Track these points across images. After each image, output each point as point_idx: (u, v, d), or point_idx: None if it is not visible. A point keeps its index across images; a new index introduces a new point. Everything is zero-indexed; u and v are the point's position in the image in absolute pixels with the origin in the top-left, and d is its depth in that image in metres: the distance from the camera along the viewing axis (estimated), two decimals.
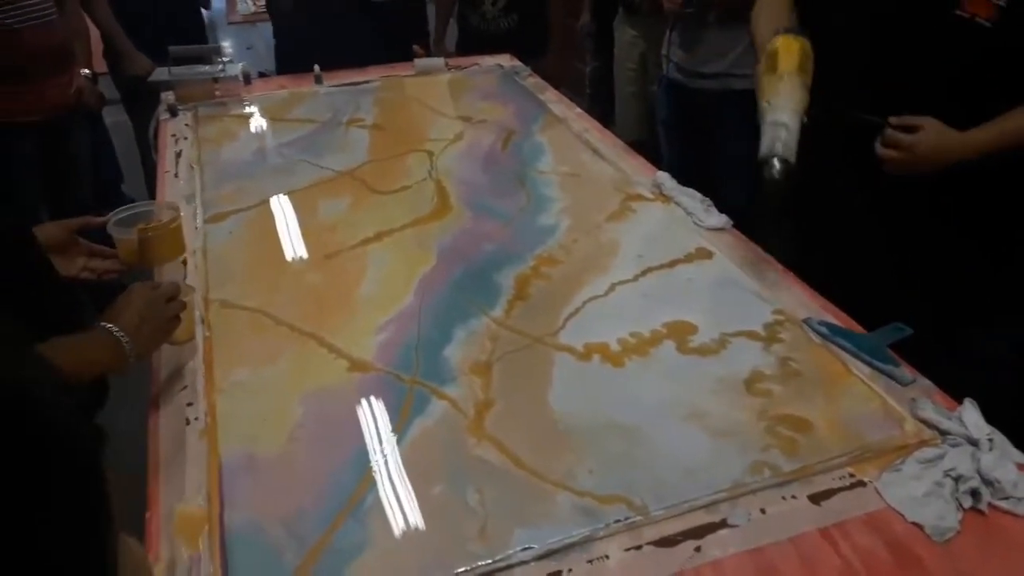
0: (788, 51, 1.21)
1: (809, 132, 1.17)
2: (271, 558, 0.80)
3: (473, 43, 2.66)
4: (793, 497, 0.87)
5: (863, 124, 1.26)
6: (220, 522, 0.84)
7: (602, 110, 2.92)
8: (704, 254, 1.32)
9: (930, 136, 1.21)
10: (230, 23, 6.39)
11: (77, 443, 0.31)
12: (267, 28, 2.83)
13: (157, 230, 1.19)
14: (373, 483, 0.89)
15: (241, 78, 2.09)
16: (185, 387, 1.04)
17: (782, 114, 1.14)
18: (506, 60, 2.36)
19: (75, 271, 1.11)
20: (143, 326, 0.93)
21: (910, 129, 1.22)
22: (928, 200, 1.26)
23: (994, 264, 1.30)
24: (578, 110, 1.98)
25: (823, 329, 1.13)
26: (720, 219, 1.41)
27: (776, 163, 1.10)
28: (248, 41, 5.59)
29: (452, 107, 1.99)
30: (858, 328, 1.14)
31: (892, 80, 1.26)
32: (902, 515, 0.84)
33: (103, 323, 0.91)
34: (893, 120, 1.23)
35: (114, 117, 2.84)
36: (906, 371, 1.04)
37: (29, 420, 0.29)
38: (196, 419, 0.99)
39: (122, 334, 0.90)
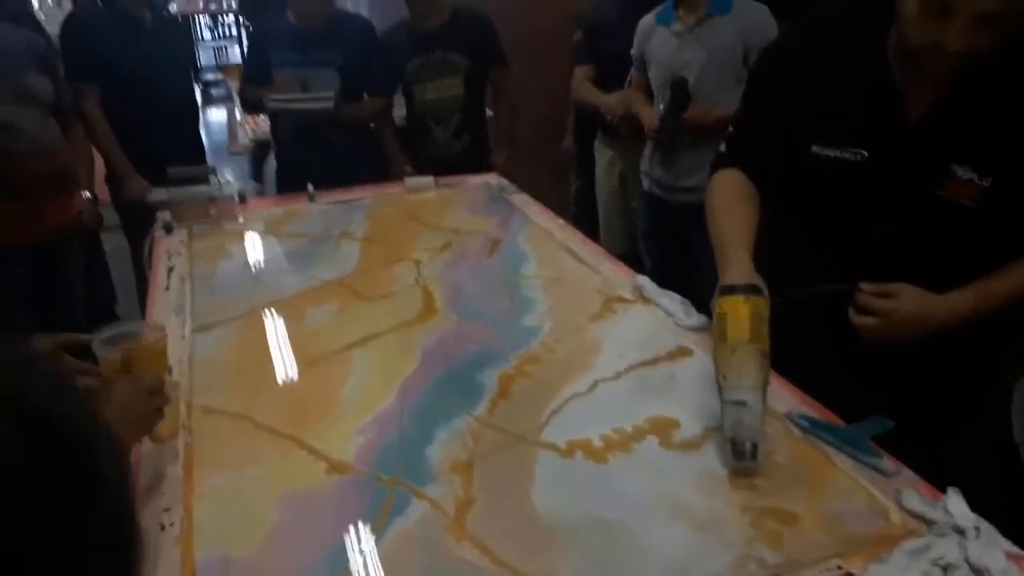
0: (736, 318, 1.08)
1: (778, 309, 1.12)
2: None
3: (427, 170, 2.54)
4: None
5: (830, 295, 1.22)
6: None
7: (586, 228, 3.01)
8: (685, 352, 1.34)
9: (909, 301, 1.17)
10: (232, 153, 6.67)
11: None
12: (267, 156, 2.96)
13: (141, 349, 1.19)
14: None
15: (237, 197, 2.16)
16: (163, 493, 1.03)
17: (740, 392, 1.04)
18: (493, 178, 2.46)
19: None
20: (124, 419, 0.93)
21: (886, 296, 1.19)
22: (903, 366, 1.22)
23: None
24: (561, 222, 2.05)
25: (804, 423, 1.13)
26: (700, 319, 1.43)
27: (747, 445, 1.01)
28: (249, 170, 5.81)
29: (440, 220, 2.05)
30: (839, 422, 1.14)
31: (867, 260, 1.22)
32: None
33: None
34: (866, 287, 1.20)
35: (114, 243, 2.91)
36: (889, 462, 1.04)
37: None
38: (171, 524, 0.97)
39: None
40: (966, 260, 1.19)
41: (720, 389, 1.07)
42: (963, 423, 1.30)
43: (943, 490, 0.97)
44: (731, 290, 1.11)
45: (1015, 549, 0.88)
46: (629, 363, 1.30)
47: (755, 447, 1.01)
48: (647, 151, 2.34)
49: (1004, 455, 1.12)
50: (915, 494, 0.96)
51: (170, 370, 1.30)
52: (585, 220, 3.15)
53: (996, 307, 1.18)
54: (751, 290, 1.10)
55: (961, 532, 0.89)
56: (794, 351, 1.06)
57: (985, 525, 0.90)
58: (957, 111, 1.15)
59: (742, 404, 1.03)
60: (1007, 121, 1.12)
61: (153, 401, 0.99)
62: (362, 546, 0.92)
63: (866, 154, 1.22)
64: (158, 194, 2.12)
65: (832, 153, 1.25)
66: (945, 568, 0.85)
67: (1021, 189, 1.13)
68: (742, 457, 1.01)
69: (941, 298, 1.18)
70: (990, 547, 0.87)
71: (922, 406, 1.22)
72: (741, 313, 1.08)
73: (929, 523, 0.92)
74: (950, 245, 1.19)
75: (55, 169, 2.12)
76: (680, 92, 2.07)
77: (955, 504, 0.93)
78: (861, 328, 1.21)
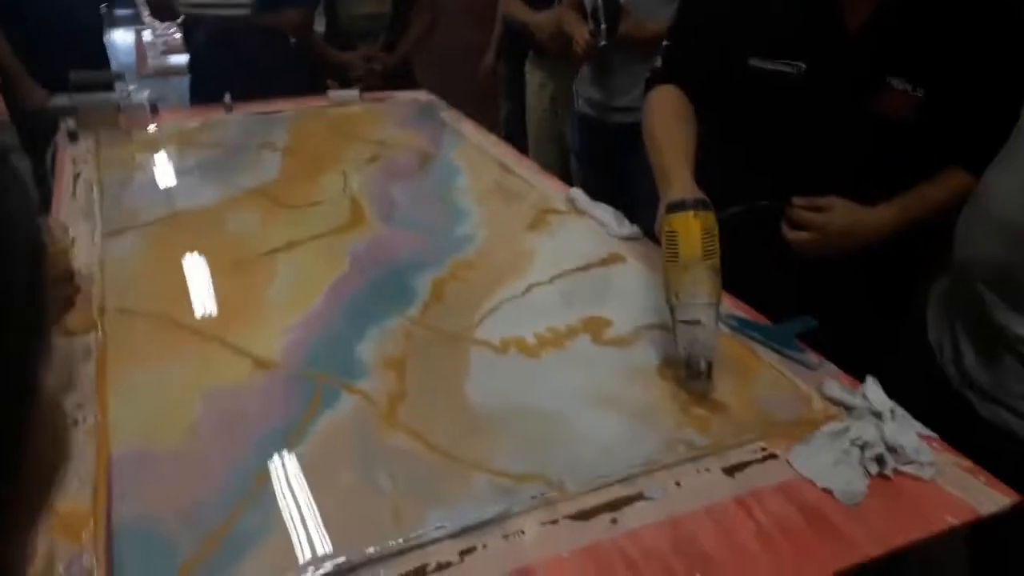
0: (687, 235, 1.02)
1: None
2: (163, 549, 0.74)
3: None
4: (707, 470, 0.87)
5: (763, 210, 1.23)
6: (107, 517, 0.78)
7: (517, 151, 2.97)
8: (618, 258, 1.34)
9: (841, 214, 1.19)
10: (141, 76, 6.29)
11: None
12: (180, 81, 2.77)
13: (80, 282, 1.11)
14: (277, 474, 0.84)
15: (147, 106, 2.03)
16: (76, 389, 0.97)
17: (694, 311, 0.99)
18: (423, 95, 2.39)
19: None
20: None
21: (817, 210, 1.21)
22: (837, 276, 1.24)
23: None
24: (494, 138, 2.01)
25: (733, 322, 1.15)
26: (632, 229, 1.43)
27: (701, 365, 0.97)
28: (161, 94, 5.48)
29: (367, 133, 1.99)
30: (766, 322, 1.17)
31: (803, 176, 1.23)
32: (813, 483, 0.85)
33: None
34: (798, 201, 1.21)
35: (14, 163, 2.71)
36: (812, 357, 1.07)
37: None
38: (84, 419, 0.92)
39: None
40: (899, 175, 1.21)
41: (672, 309, 1.02)
42: (894, 325, 1.36)
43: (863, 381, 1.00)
44: (680, 206, 1.05)
45: (927, 431, 0.93)
46: (562, 269, 1.30)
47: (710, 365, 0.98)
48: (581, 71, 2.30)
49: (924, 355, 1.17)
50: (835, 383, 1.00)
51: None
52: (516, 146, 3.11)
53: (916, 222, 1.21)
54: (700, 205, 1.04)
55: (878, 415, 0.93)
56: (728, 265, 1.05)
57: (900, 410, 0.94)
58: (893, 20, 1.15)
59: (696, 323, 0.98)
60: (941, 30, 1.13)
61: (61, 290, 0.93)
62: (290, 438, 0.89)
63: (804, 66, 1.21)
64: (60, 99, 1.97)
65: (770, 66, 1.24)
66: (862, 447, 0.88)
67: (952, 100, 1.15)
68: (697, 377, 0.98)
69: (870, 211, 1.20)
70: (904, 428, 0.91)
71: (854, 314, 1.26)
72: (692, 229, 1.02)
73: (848, 409, 0.96)
74: (883, 160, 1.20)
75: None
76: (610, 3, 2.02)
77: (872, 391, 0.96)
78: (794, 242, 1.23)
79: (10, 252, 0.27)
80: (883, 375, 1.00)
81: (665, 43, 1.40)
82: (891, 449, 0.88)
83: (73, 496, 0.80)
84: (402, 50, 2.66)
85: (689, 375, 0.99)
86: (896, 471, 0.87)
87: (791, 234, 1.23)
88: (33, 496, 0.30)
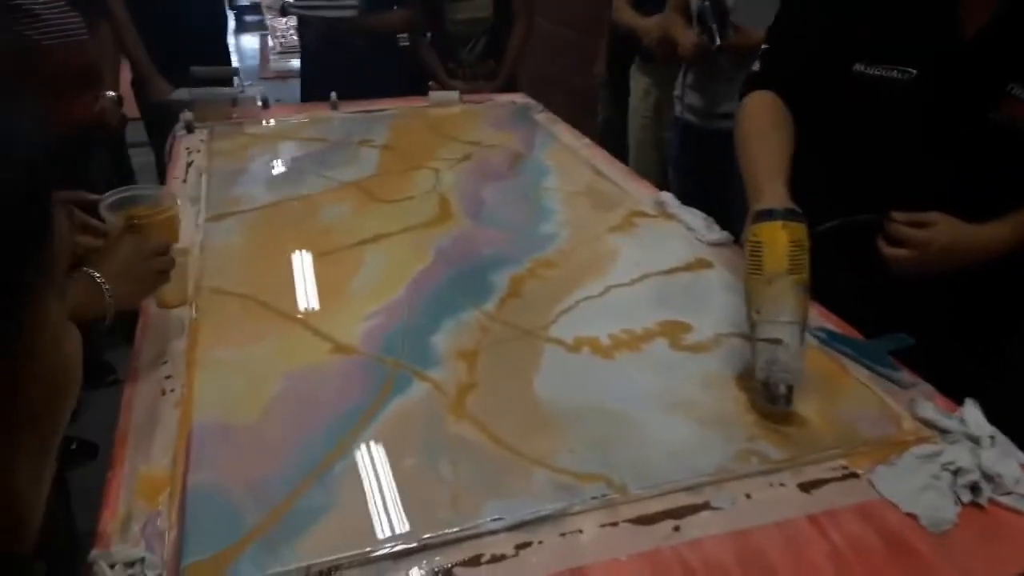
0: (774, 246, 0.96)
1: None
2: (231, 517, 0.77)
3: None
4: (781, 485, 0.83)
5: (859, 225, 1.15)
6: (183, 484, 0.82)
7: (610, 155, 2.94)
8: (704, 264, 1.30)
9: (944, 232, 1.10)
10: (262, 78, 6.61)
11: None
12: (297, 85, 2.89)
13: (147, 218, 1.17)
14: (344, 454, 0.86)
15: (260, 101, 2.14)
16: (166, 362, 1.03)
17: (775, 329, 0.92)
18: (520, 97, 2.40)
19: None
20: (126, 276, 0.92)
21: (919, 226, 1.12)
22: (937, 295, 1.13)
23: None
24: (587, 140, 2.00)
25: (822, 334, 1.09)
26: (722, 235, 1.39)
27: (781, 389, 0.90)
28: (278, 93, 5.76)
29: (463, 134, 2.01)
30: (858, 336, 1.10)
31: (907, 191, 1.15)
32: (896, 507, 0.80)
33: (86, 268, 0.90)
34: (898, 216, 1.13)
35: (142, 158, 2.90)
36: (906, 375, 1.01)
37: None
38: (172, 391, 0.97)
39: (103, 280, 0.89)
40: (1012, 191, 1.11)
41: (752, 326, 0.95)
42: (986, 362, 1.26)
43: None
44: (768, 215, 0.98)
45: None
46: (645, 271, 1.27)
47: (790, 390, 0.90)
48: (681, 76, 2.26)
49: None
50: (930, 404, 0.93)
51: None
52: (613, 153, 3.08)
53: (1009, 247, 1.11)
54: (790, 215, 0.97)
55: (975, 441, 0.86)
56: (817, 281, 0.98)
57: (1001, 436, 0.87)
58: (1014, 24, 1.07)
59: (778, 342, 0.90)
60: None
61: (157, 262, 0.98)
62: (360, 420, 0.91)
63: (915, 72, 1.13)
64: (180, 94, 2.10)
65: (877, 72, 1.16)
66: (956, 472, 0.82)
67: None
68: (775, 402, 0.91)
69: (977, 229, 1.11)
70: (1005, 456, 0.84)
71: (954, 334, 1.17)
72: (779, 240, 0.95)
73: (943, 432, 0.89)
74: (1000, 173, 1.11)
75: (79, 62, 2.10)
76: (717, 5, 1.97)
77: (971, 414, 0.89)
78: (892, 259, 1.14)
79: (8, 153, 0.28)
80: (987, 399, 0.93)
81: (764, 46, 1.35)
82: (988, 477, 0.82)
83: (156, 461, 0.85)
84: (506, 71, 2.68)
85: (767, 398, 0.92)
86: (992, 501, 0.80)
87: (888, 250, 1.14)
88: (38, 415, 0.32)
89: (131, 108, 2.52)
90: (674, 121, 2.37)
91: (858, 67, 1.18)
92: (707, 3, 1.99)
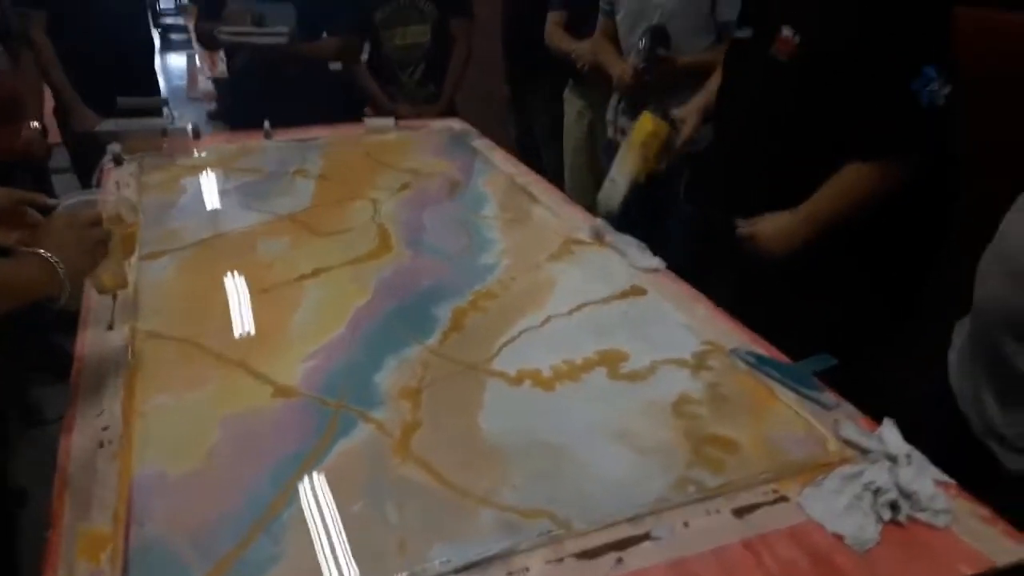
0: (640, 127, 1.52)
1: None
2: (177, 572, 0.76)
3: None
4: (717, 511, 0.86)
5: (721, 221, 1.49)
6: (125, 539, 0.81)
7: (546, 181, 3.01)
8: (638, 291, 1.34)
9: (768, 220, 1.39)
10: (190, 98, 6.48)
11: None
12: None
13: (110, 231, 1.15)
14: (289, 501, 0.86)
15: (190, 131, 2.10)
16: (102, 412, 1.01)
17: (616, 174, 1.54)
18: (456, 123, 2.43)
19: (10, 241, 1.07)
20: (68, 250, 0.92)
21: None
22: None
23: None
24: (524, 167, 2.03)
25: (750, 358, 1.14)
26: (654, 261, 1.44)
27: (603, 209, 1.53)
28: (205, 114, 5.65)
29: (400, 161, 2.02)
30: (784, 359, 1.16)
31: (734, 117, 1.50)
32: (823, 527, 0.84)
33: (30, 249, 0.90)
34: (740, 221, 1.44)
35: (64, 184, 2.82)
36: (830, 396, 1.06)
37: None
38: (110, 442, 0.95)
39: (50, 255, 0.88)
40: (793, 127, 1.35)
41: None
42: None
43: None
44: (651, 110, 1.53)
45: (943, 477, 0.91)
46: (583, 300, 1.31)
47: (610, 212, 1.55)
48: (613, 100, 2.32)
49: (945, 399, 1.15)
50: (852, 425, 0.99)
51: (115, 295, 1.27)
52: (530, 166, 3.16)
53: (842, 211, 1.33)
54: (663, 116, 1.52)
55: (893, 459, 0.91)
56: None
57: (916, 454, 0.92)
58: None
59: (612, 182, 1.55)
60: None
61: (94, 232, 0.98)
62: (304, 465, 0.91)
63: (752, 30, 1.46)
64: (107, 124, 2.05)
65: (738, 34, 1.51)
66: (876, 492, 0.87)
67: (825, 45, 1.29)
68: (602, 213, 1.54)
69: (790, 212, 1.37)
70: (920, 474, 0.89)
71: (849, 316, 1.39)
72: (646, 126, 1.52)
73: (864, 452, 0.94)
74: (778, 109, 1.38)
75: (2, 94, 2.04)
76: (659, 39, 2.04)
77: (889, 434, 0.95)
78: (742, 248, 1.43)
79: None
80: (902, 416, 0.99)
81: None
82: (905, 495, 0.87)
83: (95, 518, 0.83)
84: (447, 96, 2.70)
85: (599, 209, 1.56)
86: (910, 518, 0.85)
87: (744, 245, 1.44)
88: None
89: (54, 134, 2.45)
90: (607, 144, 2.43)
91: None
92: (647, 36, 2.04)
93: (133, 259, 1.40)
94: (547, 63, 2.64)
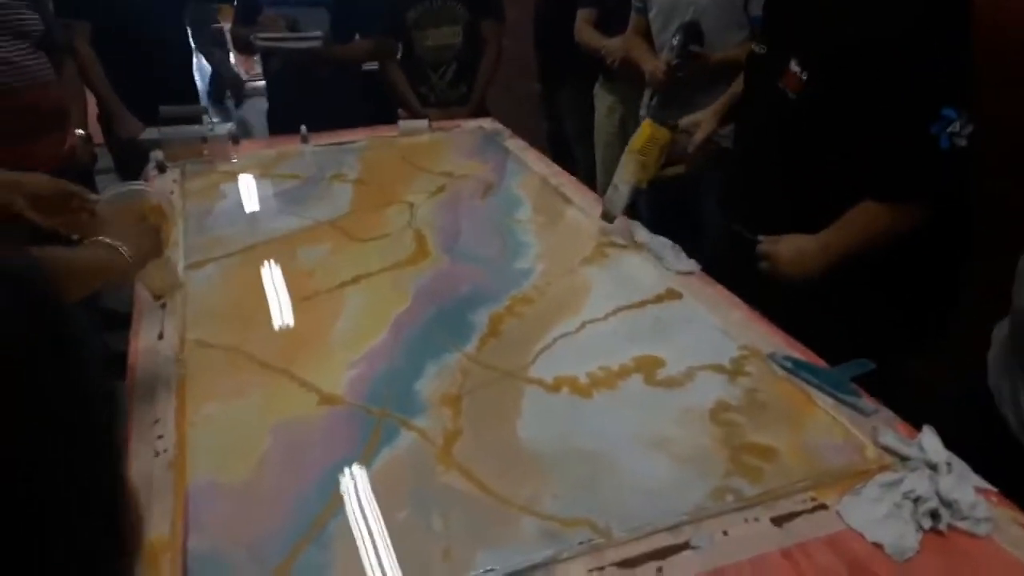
0: (640, 133, 1.51)
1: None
2: None
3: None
4: (755, 520, 0.87)
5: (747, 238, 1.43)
6: (183, 549, 0.84)
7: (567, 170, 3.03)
8: (673, 295, 1.35)
9: (788, 243, 1.35)
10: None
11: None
12: (261, 102, 2.90)
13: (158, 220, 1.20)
14: (337, 510, 0.89)
15: (229, 138, 2.15)
16: (157, 421, 1.05)
17: (619, 180, 1.53)
18: (488, 123, 2.44)
19: (52, 225, 1.12)
20: (128, 233, 0.98)
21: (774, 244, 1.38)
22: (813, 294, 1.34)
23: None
24: (557, 168, 2.04)
25: (788, 363, 1.15)
26: (689, 264, 1.44)
27: (609, 214, 1.56)
28: (242, 113, 5.75)
29: (434, 164, 2.05)
30: (822, 363, 1.16)
31: (750, 136, 1.50)
32: (863, 536, 0.85)
33: (96, 238, 0.95)
34: (761, 238, 1.40)
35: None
36: (868, 402, 1.06)
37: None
38: (165, 451, 0.99)
39: (114, 241, 0.93)
40: (801, 160, 1.34)
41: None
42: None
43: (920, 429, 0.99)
44: (652, 116, 1.53)
45: (985, 484, 0.91)
46: (618, 305, 1.32)
47: (614, 217, 1.56)
48: (645, 97, 2.31)
49: (984, 398, 1.14)
50: (891, 431, 0.99)
51: (164, 304, 1.31)
52: (562, 163, 3.17)
53: (865, 242, 1.28)
54: (662, 122, 1.52)
55: (933, 467, 0.91)
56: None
57: (957, 461, 0.92)
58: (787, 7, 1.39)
59: (615, 187, 1.54)
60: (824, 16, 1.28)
61: (149, 221, 1.04)
62: (351, 473, 0.94)
63: (766, 49, 1.44)
64: (151, 133, 2.11)
65: (755, 47, 1.49)
66: (916, 500, 0.87)
67: (833, 82, 1.26)
68: (606, 219, 1.57)
69: (814, 237, 1.33)
70: (961, 482, 0.89)
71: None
72: (644, 132, 1.51)
73: (903, 459, 0.95)
74: (786, 141, 1.36)
75: (48, 104, 2.10)
76: (693, 35, 2.03)
77: (929, 441, 0.95)
78: (761, 269, 1.38)
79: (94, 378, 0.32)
80: (938, 418, 0.99)
81: None
82: (946, 504, 0.87)
83: (154, 527, 0.87)
84: (478, 96, 2.72)
85: (603, 217, 1.58)
86: (950, 526, 0.86)
87: (760, 265, 1.39)
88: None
89: (97, 139, 2.52)
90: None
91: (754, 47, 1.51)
92: (681, 33, 2.03)
93: (180, 268, 1.45)
94: (577, 60, 2.65)
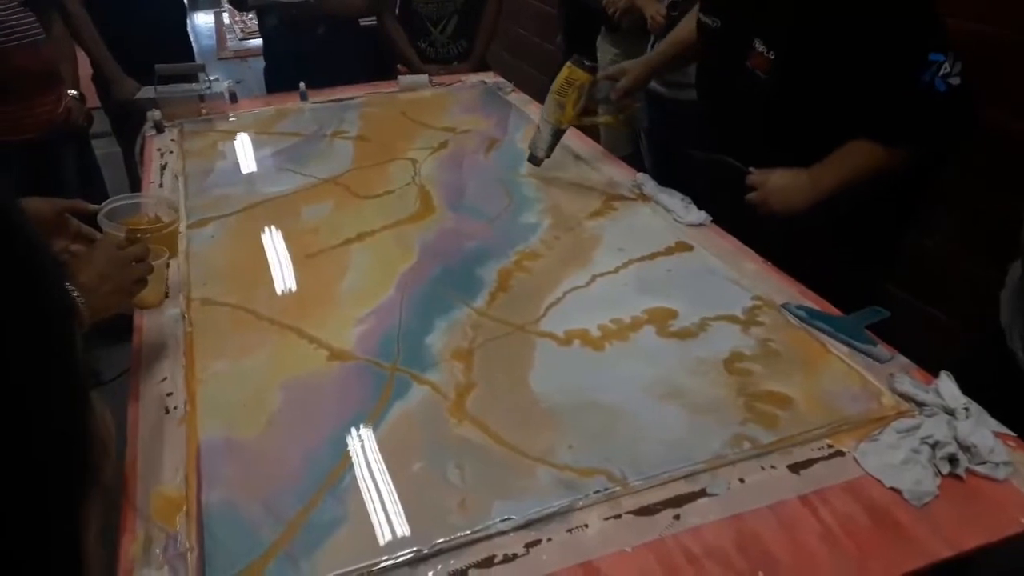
0: (560, 76, 1.53)
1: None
2: (248, 534, 0.79)
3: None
4: (772, 467, 0.87)
5: (726, 164, 1.43)
6: (198, 502, 0.84)
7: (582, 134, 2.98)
8: (684, 247, 1.34)
9: (778, 174, 1.33)
10: (220, 59, 6.47)
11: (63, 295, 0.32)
12: (257, 63, 2.85)
13: (149, 231, 1.18)
14: (351, 463, 0.88)
15: (227, 96, 2.11)
16: (165, 379, 1.04)
17: (540, 120, 1.58)
18: (490, 77, 2.40)
19: (55, 250, 1.10)
20: (103, 285, 0.93)
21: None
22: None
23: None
24: None
25: (801, 312, 1.14)
26: (699, 215, 1.42)
27: (532, 154, 1.58)
28: (238, 75, 5.66)
29: (436, 120, 2.01)
30: (836, 312, 1.15)
31: (723, 123, 1.49)
32: (880, 482, 0.84)
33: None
34: (752, 169, 1.38)
35: (105, 149, 2.84)
36: (884, 349, 1.05)
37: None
38: (175, 408, 0.98)
39: (78, 293, 0.89)
40: (771, 137, 1.35)
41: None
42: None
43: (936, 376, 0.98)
44: (572, 60, 1.53)
45: (1003, 428, 0.90)
46: (628, 258, 1.30)
47: (535, 157, 1.58)
48: (649, 47, 2.27)
49: (995, 335, 1.14)
50: (907, 378, 0.98)
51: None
52: None
53: (856, 178, 1.27)
54: (580, 64, 1.52)
55: (951, 413, 0.91)
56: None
57: (975, 406, 0.92)
58: None
59: (537, 127, 1.58)
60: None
61: (135, 270, 0.99)
62: (363, 427, 0.93)
63: (720, 22, 1.43)
64: (147, 92, 2.07)
65: (706, 19, 1.46)
66: (934, 446, 0.87)
67: (805, 61, 1.25)
68: (531, 160, 1.59)
69: (805, 171, 1.31)
70: (979, 426, 0.89)
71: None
72: (563, 74, 1.53)
73: (920, 405, 0.94)
74: (757, 119, 1.36)
75: (39, 64, 2.06)
76: None
77: (946, 386, 0.94)
78: (749, 201, 1.36)
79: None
80: (952, 358, 0.98)
81: None
82: (964, 448, 0.87)
83: (168, 481, 0.86)
84: (479, 51, 2.66)
85: (528, 159, 1.60)
86: (969, 471, 0.85)
87: (748, 196, 1.36)
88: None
89: (91, 99, 2.48)
90: (643, 93, 2.38)
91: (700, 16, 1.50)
92: None
93: (182, 227, 1.43)
94: (601, 13, 2.59)
